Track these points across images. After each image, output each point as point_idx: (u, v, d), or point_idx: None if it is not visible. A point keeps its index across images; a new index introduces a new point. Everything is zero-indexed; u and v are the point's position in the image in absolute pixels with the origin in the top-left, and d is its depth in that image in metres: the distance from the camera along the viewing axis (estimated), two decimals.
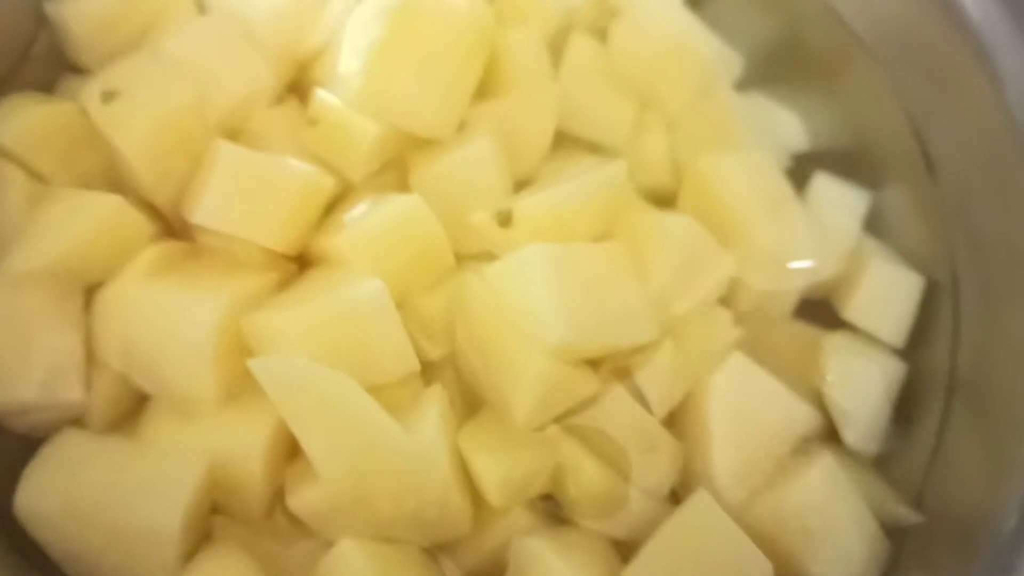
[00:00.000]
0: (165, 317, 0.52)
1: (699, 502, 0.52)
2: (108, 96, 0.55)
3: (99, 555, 0.50)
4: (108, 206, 0.55)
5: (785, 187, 0.62)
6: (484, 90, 0.62)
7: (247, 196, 0.54)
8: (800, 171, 0.66)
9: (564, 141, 0.64)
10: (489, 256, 0.56)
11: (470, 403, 0.56)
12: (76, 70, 0.61)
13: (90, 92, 0.56)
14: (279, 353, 0.51)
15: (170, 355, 0.52)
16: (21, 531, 0.51)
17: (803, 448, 0.56)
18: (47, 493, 0.50)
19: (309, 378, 0.49)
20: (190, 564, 0.50)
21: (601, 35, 0.67)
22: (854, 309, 0.62)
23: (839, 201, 0.64)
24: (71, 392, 0.53)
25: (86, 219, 0.54)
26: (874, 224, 0.65)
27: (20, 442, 0.53)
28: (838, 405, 0.59)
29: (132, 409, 0.55)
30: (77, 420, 0.54)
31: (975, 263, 0.60)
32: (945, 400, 0.60)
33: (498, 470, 0.52)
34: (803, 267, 0.60)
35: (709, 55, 0.67)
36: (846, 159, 0.66)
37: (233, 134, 0.58)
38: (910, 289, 0.62)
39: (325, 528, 0.52)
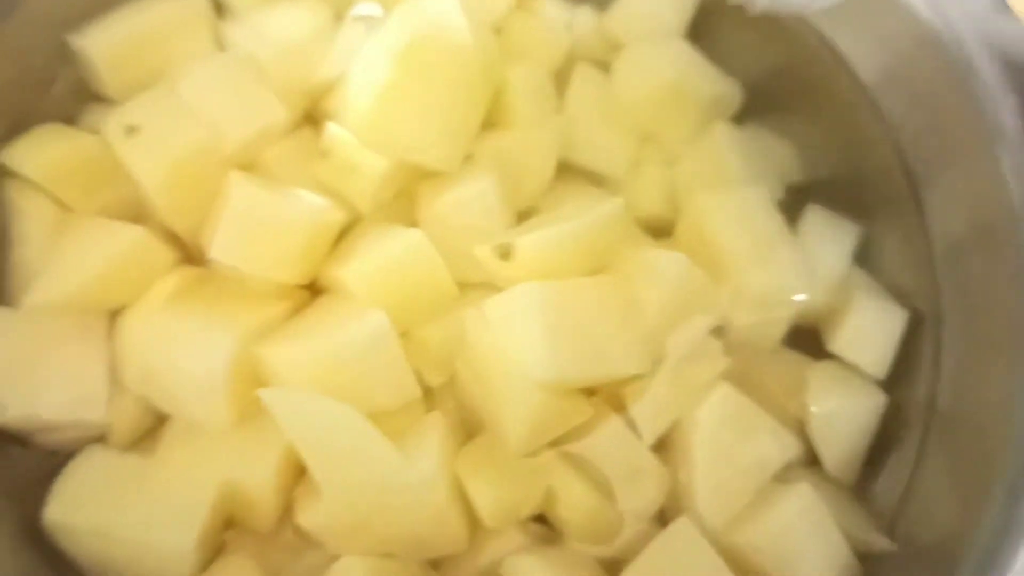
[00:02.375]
0: (183, 345, 0.55)
1: (680, 528, 0.55)
2: (130, 130, 0.58)
3: (121, 567, 0.54)
4: (130, 236, 0.58)
5: (777, 223, 0.64)
6: (490, 122, 0.64)
7: (259, 233, 0.56)
8: (794, 202, 0.68)
9: (566, 172, 0.66)
10: (492, 286, 0.59)
11: (468, 428, 0.59)
12: (100, 100, 0.64)
13: (113, 125, 0.58)
14: (288, 383, 0.54)
15: (186, 381, 0.55)
16: (51, 542, 0.54)
17: (784, 475, 0.59)
18: (73, 508, 0.54)
19: (315, 409, 0.53)
20: (205, 575, 0.54)
21: (605, 67, 0.70)
22: (839, 341, 0.63)
23: (830, 234, 0.66)
24: (95, 412, 0.56)
25: (109, 248, 0.57)
26: (863, 257, 0.67)
27: (48, 458, 0.57)
28: (819, 434, 0.61)
29: (152, 428, 0.58)
30: (100, 438, 0.57)
31: (959, 303, 0.62)
32: (923, 432, 0.62)
33: (492, 493, 0.56)
34: (788, 300, 0.62)
35: (709, 91, 0.69)
36: (839, 191, 0.68)
37: (248, 165, 0.60)
38: (894, 323, 0.64)
39: (330, 543, 0.56)
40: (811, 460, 0.62)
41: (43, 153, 0.59)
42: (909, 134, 0.65)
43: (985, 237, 0.59)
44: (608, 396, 0.59)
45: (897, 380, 0.64)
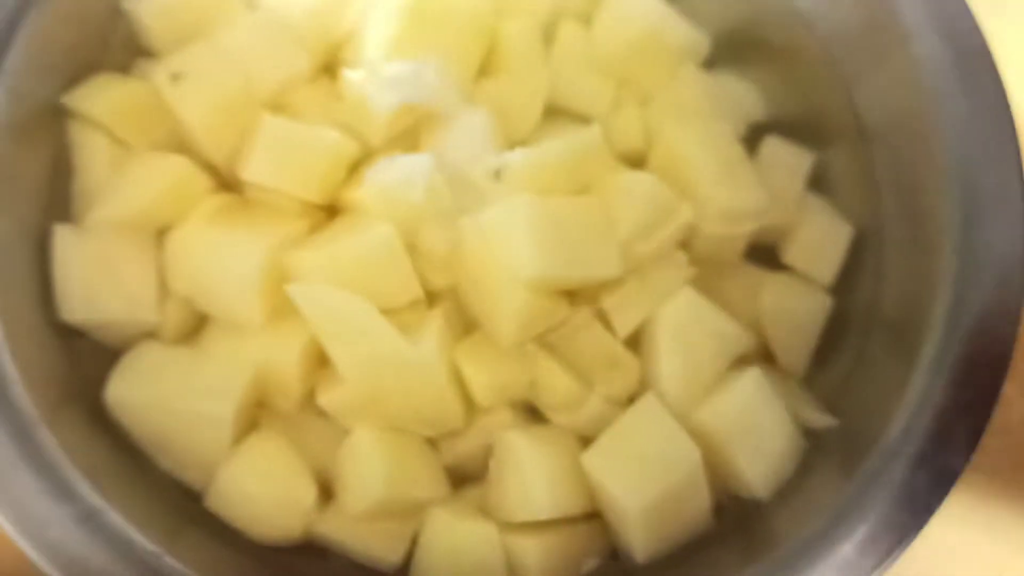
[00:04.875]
0: (221, 255, 0.64)
1: (646, 400, 0.64)
2: (175, 77, 0.67)
3: (171, 436, 0.63)
4: (176, 166, 0.66)
5: (739, 150, 0.72)
6: (485, 70, 0.73)
7: (287, 157, 0.65)
8: (756, 137, 0.76)
9: (552, 114, 0.74)
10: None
11: (466, 326, 0.68)
12: (148, 54, 0.73)
13: (161, 74, 0.67)
14: (311, 282, 0.64)
15: (224, 284, 0.64)
16: (111, 418, 0.64)
17: (739, 366, 0.68)
18: (130, 388, 0.63)
19: (335, 301, 0.62)
20: (240, 444, 0.64)
21: (587, 20, 0.78)
22: (792, 253, 0.72)
23: (786, 159, 0.74)
24: (147, 312, 0.65)
25: (158, 176, 0.66)
26: (816, 183, 0.75)
27: (107, 352, 0.66)
28: (772, 331, 0.69)
29: (196, 327, 0.67)
30: (152, 334, 0.66)
31: (900, 217, 0.71)
32: (864, 332, 0.70)
33: (484, 376, 0.65)
34: (750, 215, 0.71)
35: (680, 39, 0.77)
36: (795, 128, 0.76)
37: (276, 108, 0.69)
38: (840, 236, 0.72)
39: (346, 419, 0.65)
40: (766, 358, 0.71)
41: (102, 97, 0.68)
42: (855, 77, 0.73)
43: (914, 140, 0.67)
44: (586, 299, 0.68)
45: (843, 288, 0.72)
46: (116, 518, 0.57)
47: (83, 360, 0.66)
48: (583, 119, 0.75)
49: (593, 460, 0.63)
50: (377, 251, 0.64)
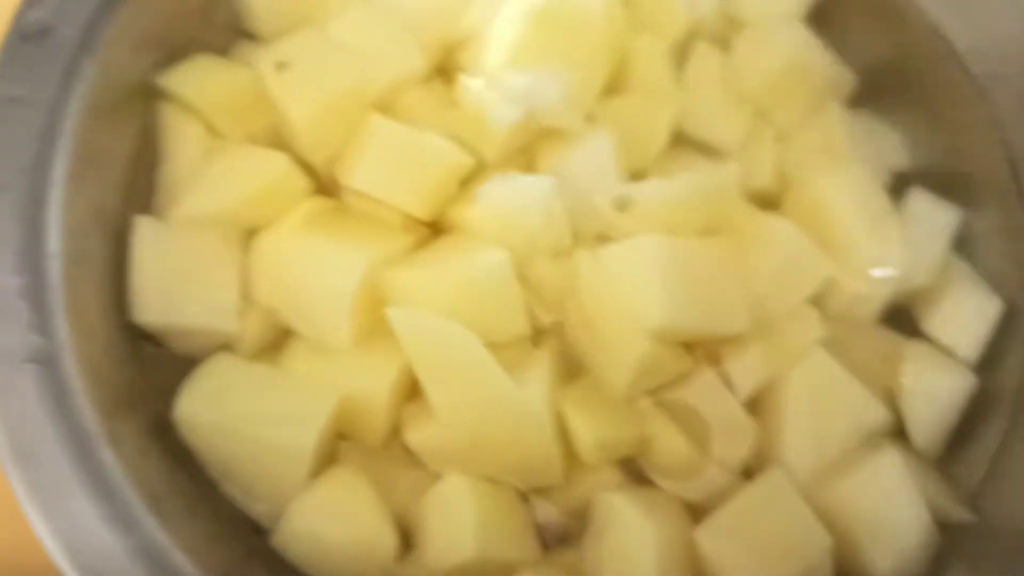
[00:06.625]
0: (314, 265, 0.59)
1: (772, 477, 0.57)
2: (281, 66, 0.62)
3: (241, 464, 0.57)
4: (274, 163, 0.61)
5: (884, 201, 0.66)
6: (612, 87, 0.67)
7: (396, 166, 0.60)
8: (898, 188, 0.70)
9: (679, 143, 0.69)
10: (603, 240, 0.62)
11: (571, 370, 0.62)
12: (250, 37, 0.68)
13: (265, 61, 0.62)
14: (412, 305, 0.58)
15: (315, 299, 0.58)
16: (177, 437, 0.58)
17: (872, 443, 0.61)
18: (201, 406, 0.57)
19: (437, 330, 0.56)
20: (317, 480, 0.58)
21: (724, 45, 0.72)
22: (934, 323, 0.66)
23: (932, 215, 0.68)
24: (227, 321, 0.60)
25: (254, 173, 0.61)
26: (962, 246, 0.68)
27: (180, 362, 0.60)
28: (909, 408, 0.63)
29: (277, 342, 0.62)
30: (229, 346, 0.61)
31: None
32: (1011, 418, 0.63)
33: (592, 430, 0.58)
34: (892, 276, 0.64)
35: (824, 73, 0.71)
36: (942, 180, 0.70)
37: (385, 108, 0.64)
38: (989, 310, 0.65)
39: (436, 463, 0.59)
40: (899, 436, 0.64)
41: (200, 80, 0.63)
42: (1015, 126, 0.67)
43: None
44: (706, 353, 0.62)
45: (989, 367, 0.65)
46: (176, 554, 0.51)
47: (152, 368, 0.60)
48: (712, 151, 0.70)
49: (709, 536, 0.56)
50: (488, 278, 0.58)
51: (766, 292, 0.61)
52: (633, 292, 0.57)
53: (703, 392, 0.61)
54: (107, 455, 0.52)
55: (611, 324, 0.58)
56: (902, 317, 0.68)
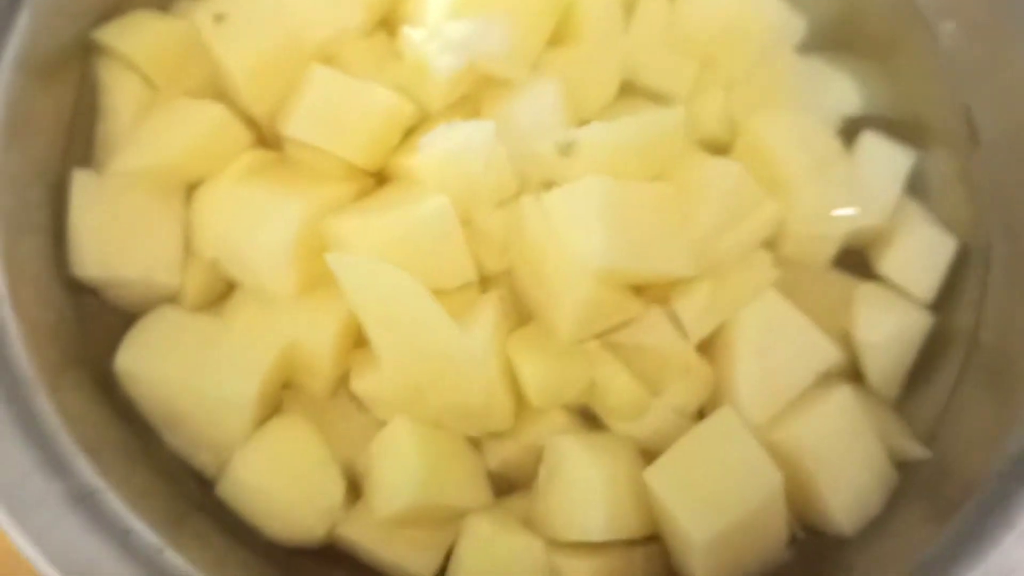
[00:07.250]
0: (254, 215, 0.58)
1: (721, 415, 0.57)
2: (218, 18, 0.61)
3: (184, 415, 0.57)
4: (212, 114, 0.61)
5: (833, 145, 0.66)
6: (559, 38, 0.66)
7: (335, 114, 0.59)
8: (851, 133, 0.69)
9: (628, 92, 0.68)
10: (549, 187, 0.61)
11: (520, 315, 0.61)
12: None
13: (202, 13, 0.61)
14: (354, 253, 0.57)
15: (257, 249, 0.58)
16: (118, 388, 0.57)
17: (825, 383, 0.60)
18: (143, 358, 0.57)
19: (379, 275, 0.55)
20: (261, 429, 0.57)
21: None
22: (888, 264, 0.65)
23: (884, 158, 0.67)
24: (168, 275, 0.60)
25: (192, 125, 0.60)
26: (916, 188, 0.67)
27: (119, 315, 0.60)
28: (864, 349, 0.62)
29: (220, 293, 0.61)
30: (171, 299, 0.60)
31: (1007, 235, 0.63)
32: (964, 357, 0.63)
33: (540, 374, 0.58)
34: (844, 216, 0.64)
35: (772, 21, 0.70)
36: (895, 125, 0.69)
37: (326, 60, 0.63)
38: (943, 250, 0.65)
39: (382, 410, 0.58)
40: (853, 376, 0.63)
41: (137, 34, 0.62)
42: (966, 69, 0.66)
43: None
44: (656, 297, 0.61)
45: (943, 307, 0.65)
46: (114, 501, 0.50)
47: (92, 322, 0.59)
48: (660, 100, 0.69)
49: (658, 477, 0.55)
50: (430, 224, 0.57)
51: (713, 234, 0.60)
52: (574, 234, 0.56)
53: (653, 334, 0.60)
54: (43, 403, 0.51)
55: (555, 268, 0.57)
56: (857, 261, 0.67)
